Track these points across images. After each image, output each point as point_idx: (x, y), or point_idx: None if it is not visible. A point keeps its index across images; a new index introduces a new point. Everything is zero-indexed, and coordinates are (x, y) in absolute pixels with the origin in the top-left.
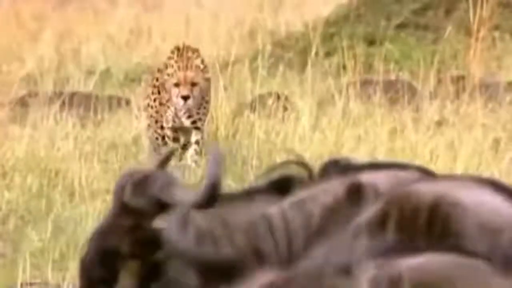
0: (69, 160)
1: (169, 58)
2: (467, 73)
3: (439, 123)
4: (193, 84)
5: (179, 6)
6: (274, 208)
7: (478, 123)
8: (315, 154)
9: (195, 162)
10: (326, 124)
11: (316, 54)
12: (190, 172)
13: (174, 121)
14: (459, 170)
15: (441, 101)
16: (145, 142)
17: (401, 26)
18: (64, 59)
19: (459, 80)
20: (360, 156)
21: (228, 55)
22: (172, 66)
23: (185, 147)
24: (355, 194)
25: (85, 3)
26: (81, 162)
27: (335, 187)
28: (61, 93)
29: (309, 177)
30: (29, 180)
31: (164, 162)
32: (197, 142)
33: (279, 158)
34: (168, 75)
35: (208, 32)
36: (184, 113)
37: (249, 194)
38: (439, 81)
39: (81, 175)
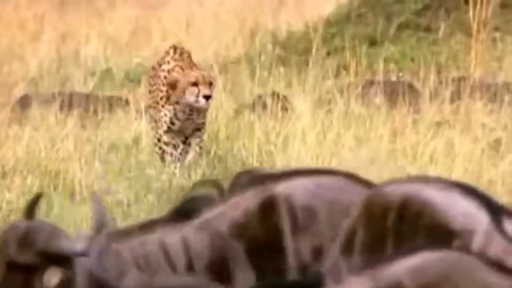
0: (69, 160)
1: (165, 56)
2: (467, 74)
3: (440, 124)
4: (210, 84)
5: (180, 6)
6: (174, 236)
7: (478, 123)
8: (315, 155)
9: (196, 161)
10: (326, 125)
11: (317, 54)
12: (190, 170)
13: (171, 123)
14: (459, 170)
15: (442, 102)
16: (145, 142)
17: (401, 27)
18: (64, 59)
19: (459, 81)
20: (361, 156)
21: (228, 55)
22: (169, 62)
23: (183, 150)
24: (268, 206)
25: (85, 4)
26: (81, 163)
27: (246, 200)
28: (61, 94)
29: (220, 195)
30: (30, 180)
31: (31, 210)
32: (199, 137)
33: (279, 159)
34: (166, 71)
35: (209, 32)
36: (199, 113)
37: (149, 227)
38: (440, 82)
39: (81, 175)
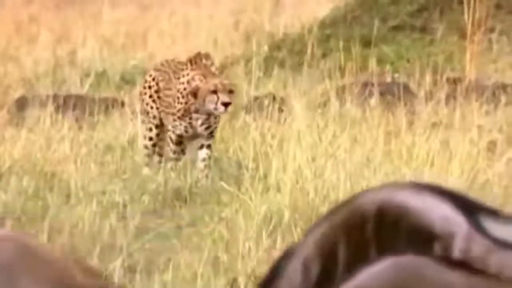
0: (65, 162)
1: (183, 69)
2: (463, 75)
3: (435, 125)
4: (230, 91)
5: (176, 7)
6: None
7: (474, 125)
8: (311, 156)
9: (206, 168)
10: (322, 126)
11: (312, 55)
12: (186, 172)
13: (186, 131)
14: (454, 172)
15: (437, 103)
16: (141, 144)
17: (397, 28)
18: (60, 61)
19: (455, 82)
20: (356, 158)
21: (224, 57)
22: (188, 74)
23: (183, 151)
24: None
25: (81, 5)
26: (77, 164)
27: None
28: (57, 95)
29: None
30: (25, 182)
31: None
32: (208, 146)
33: (275, 161)
34: (185, 82)
35: (205, 33)
36: (213, 122)
37: None
38: (435, 83)
39: (77, 177)
